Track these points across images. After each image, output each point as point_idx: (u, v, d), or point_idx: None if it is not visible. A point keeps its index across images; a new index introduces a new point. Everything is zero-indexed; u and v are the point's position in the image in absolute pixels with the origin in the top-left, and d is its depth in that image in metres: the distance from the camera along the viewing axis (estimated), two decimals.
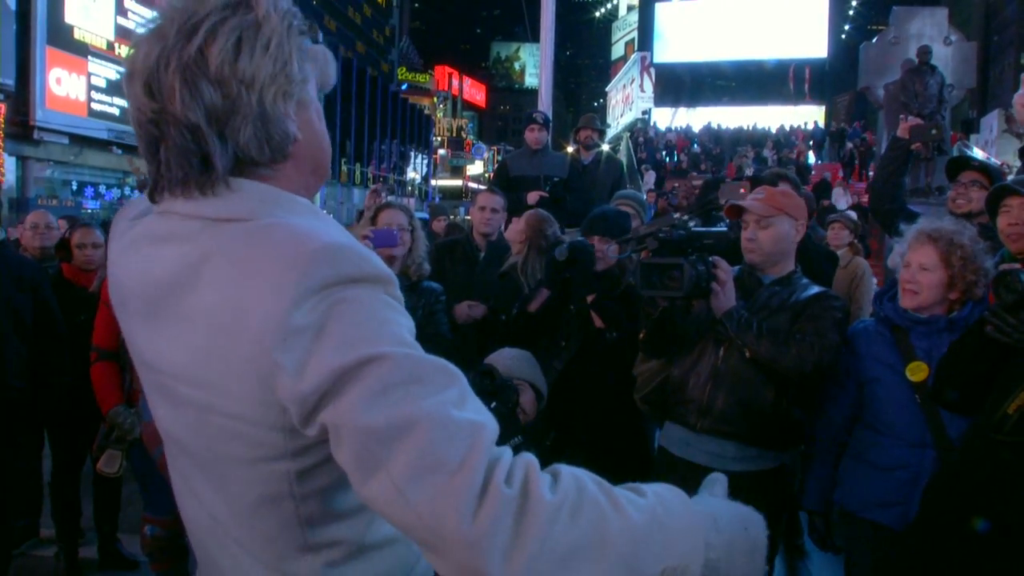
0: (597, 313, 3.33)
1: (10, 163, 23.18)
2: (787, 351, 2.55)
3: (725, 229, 2.89)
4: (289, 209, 1.04)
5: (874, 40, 17.92)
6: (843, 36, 50.05)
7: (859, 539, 2.65)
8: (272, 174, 1.06)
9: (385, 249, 3.35)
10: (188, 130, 0.99)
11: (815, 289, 2.77)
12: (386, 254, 3.42)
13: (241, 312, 0.94)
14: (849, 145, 25.69)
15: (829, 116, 42.03)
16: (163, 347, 1.05)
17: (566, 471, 0.92)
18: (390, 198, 4.62)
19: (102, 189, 27.71)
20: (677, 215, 3.79)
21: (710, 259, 2.63)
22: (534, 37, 10.03)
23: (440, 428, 0.88)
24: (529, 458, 0.91)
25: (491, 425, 0.92)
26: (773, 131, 32.46)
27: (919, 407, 2.51)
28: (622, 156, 27.50)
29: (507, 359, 2.84)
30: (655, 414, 3.01)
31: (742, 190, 3.66)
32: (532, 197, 5.36)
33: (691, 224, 2.72)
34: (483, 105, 79.09)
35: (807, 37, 43.72)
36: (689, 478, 2.76)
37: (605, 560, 0.86)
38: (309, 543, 1.07)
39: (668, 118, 42.56)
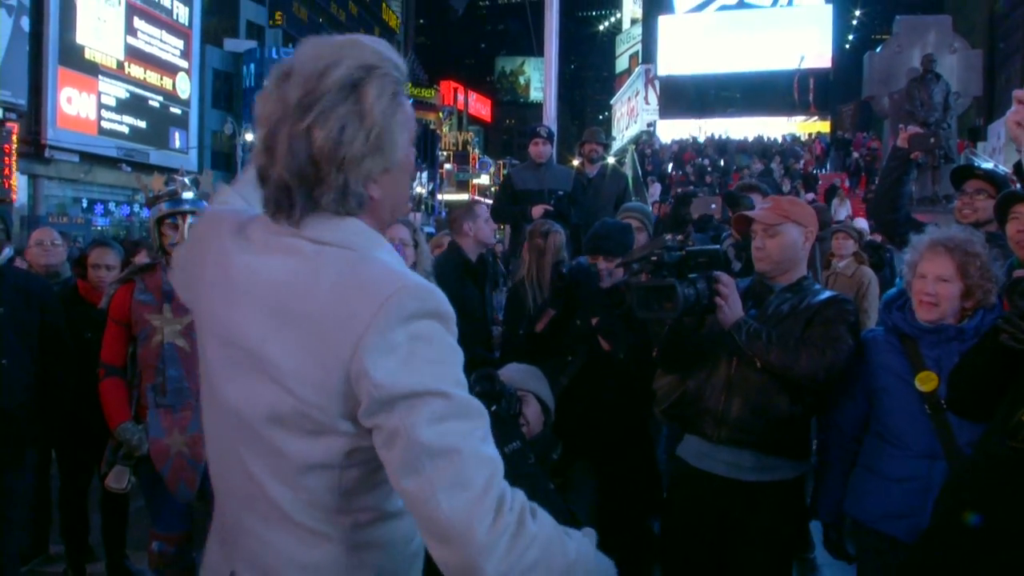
0: (603, 336, 3.33)
1: (22, 181, 23.35)
2: (798, 358, 2.54)
3: (719, 247, 2.90)
4: (377, 245, 1.29)
5: (878, 49, 17.91)
6: (847, 46, 50.07)
7: (870, 551, 2.63)
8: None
9: None
10: (282, 186, 1.24)
11: (827, 294, 2.76)
12: None
13: (346, 322, 1.18)
14: (855, 155, 25.65)
15: (834, 126, 41.99)
16: (257, 334, 1.26)
17: (539, 510, 1.24)
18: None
19: (112, 206, 27.92)
20: (669, 236, 3.80)
21: (713, 274, 2.63)
22: (539, 51, 10.06)
23: (472, 458, 1.18)
24: (521, 495, 1.22)
25: (501, 461, 1.22)
26: (778, 141, 32.45)
27: (928, 418, 2.49)
28: (627, 169, 27.52)
29: (514, 372, 2.86)
30: (678, 427, 3.00)
31: (713, 205, 3.67)
32: (537, 211, 5.36)
33: (689, 243, 2.73)
34: (488, 119, 79.17)
35: (811, 47, 43.75)
36: (706, 489, 2.76)
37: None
38: (344, 507, 1.29)
39: (673, 130, 42.53)
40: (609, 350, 3.35)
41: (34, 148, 23.89)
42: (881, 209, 3.93)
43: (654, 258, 2.61)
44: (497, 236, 5.49)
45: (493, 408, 2.32)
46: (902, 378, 2.56)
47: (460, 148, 58.13)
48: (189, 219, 3.41)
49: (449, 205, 51.33)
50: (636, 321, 3.22)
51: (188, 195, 3.48)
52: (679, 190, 11.01)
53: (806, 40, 43.84)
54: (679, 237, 2.82)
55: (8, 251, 3.71)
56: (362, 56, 1.24)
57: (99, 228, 24.93)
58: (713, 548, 2.77)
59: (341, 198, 1.25)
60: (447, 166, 55.04)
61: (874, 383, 2.66)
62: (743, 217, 2.87)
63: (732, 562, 2.75)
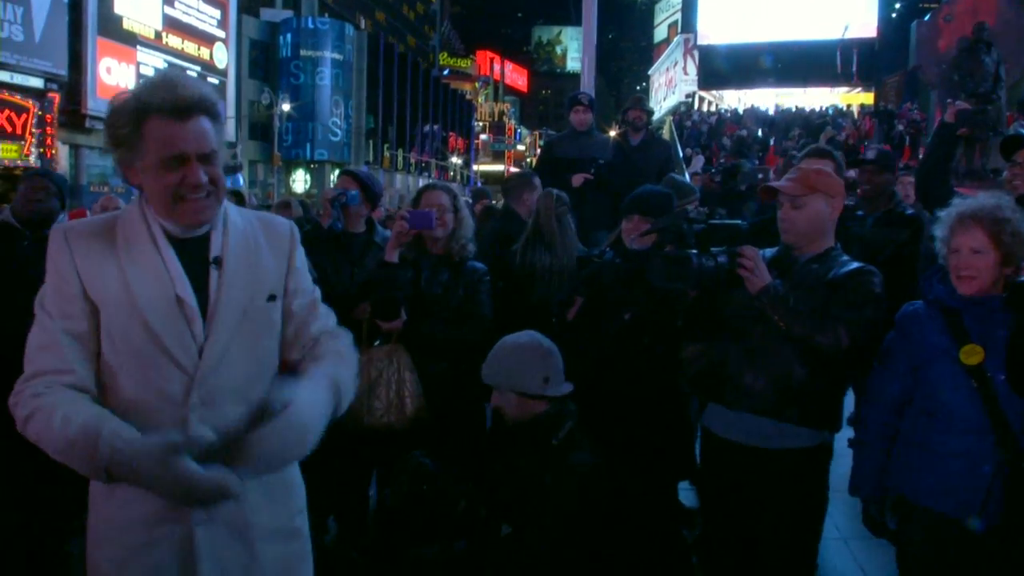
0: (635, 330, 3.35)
1: (63, 151, 23.72)
2: (822, 327, 2.54)
3: (740, 222, 2.90)
4: (119, 216, 1.84)
5: (926, 18, 17.45)
6: (894, 15, 48.86)
7: (914, 527, 2.59)
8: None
9: (424, 230, 3.39)
10: None
11: (853, 265, 2.72)
12: (427, 235, 3.45)
13: None
14: (899, 127, 25.10)
15: (878, 97, 41.12)
16: None
17: (46, 408, 1.66)
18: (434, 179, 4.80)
19: None
20: (692, 208, 3.77)
21: (736, 249, 2.64)
22: (576, 20, 9.96)
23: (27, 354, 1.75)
24: (34, 390, 1.69)
25: (37, 361, 1.73)
26: (823, 112, 31.85)
27: (975, 391, 2.44)
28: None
29: (488, 362, 2.94)
30: (701, 396, 3.02)
31: (760, 175, 3.63)
32: (577, 179, 5.32)
33: (715, 215, 2.77)
34: (524, 90, 78.88)
35: (856, 16, 42.75)
36: (731, 457, 2.80)
37: (49, 447, 1.65)
38: None
39: (709, 102, 41.97)
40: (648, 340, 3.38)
41: (75, 118, 24.23)
42: (927, 185, 3.87)
43: (675, 229, 2.66)
44: None
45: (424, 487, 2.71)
46: (946, 352, 2.50)
47: (496, 118, 58.02)
48: None
49: (485, 176, 51.37)
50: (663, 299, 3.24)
51: None
52: (724, 161, 10.86)
53: (851, 8, 42.84)
54: (704, 210, 2.84)
55: (63, 218, 3.80)
56: None
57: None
58: (744, 514, 2.80)
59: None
60: (483, 136, 54.99)
61: (917, 357, 2.60)
62: (770, 188, 2.84)
63: (762, 528, 2.77)
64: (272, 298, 1.90)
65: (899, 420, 2.67)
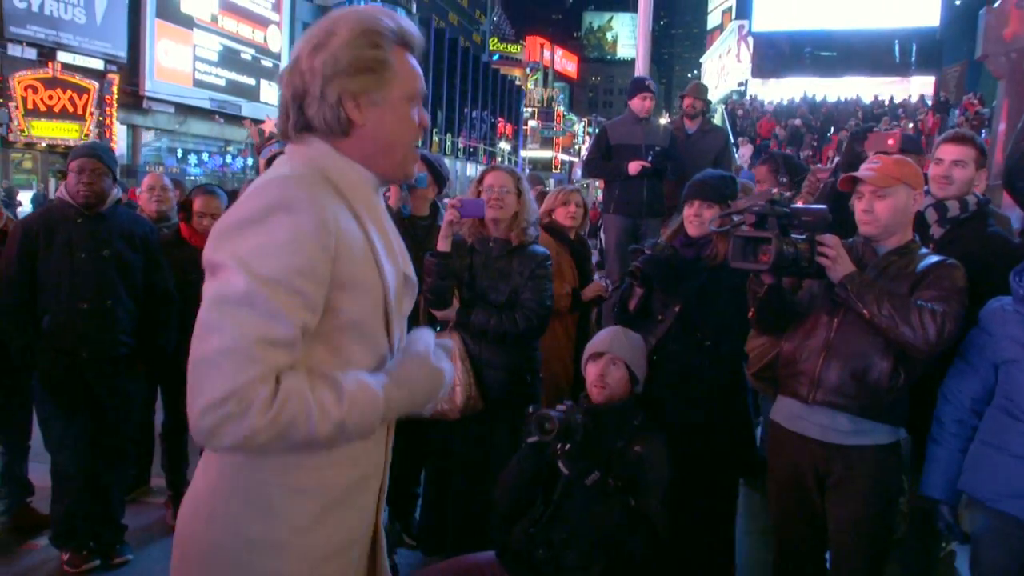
0: (686, 323, 3.27)
1: (121, 131, 24.24)
2: (907, 319, 2.44)
3: (824, 207, 2.78)
4: (321, 165, 1.46)
5: (995, 4, 16.84)
6: (957, 2, 47.38)
7: (988, 531, 2.51)
8: (336, 142, 1.48)
9: (472, 218, 3.35)
10: (284, 102, 1.50)
11: (935, 258, 2.64)
12: (489, 217, 3.39)
13: None
14: (960, 118, 24.36)
15: (938, 88, 40.02)
16: None
17: (296, 391, 1.29)
18: (498, 160, 4.69)
19: (205, 156, 28.73)
20: (776, 191, 3.62)
21: (817, 237, 2.55)
22: (627, 7, 9.81)
23: (227, 352, 1.29)
24: (263, 395, 1.26)
25: (267, 358, 1.28)
26: (866, 102, 31.09)
27: None
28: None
29: (611, 336, 3.03)
30: (768, 389, 2.94)
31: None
32: (634, 167, 5.23)
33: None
34: (575, 76, 78.29)
35: (917, 4, 41.57)
36: (801, 451, 2.73)
37: (293, 441, 1.30)
38: None
39: (759, 89, 41.23)
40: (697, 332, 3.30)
41: (133, 99, 24.72)
42: (1017, 176, 3.66)
43: (756, 210, 2.54)
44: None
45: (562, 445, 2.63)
46: None
47: (545, 105, 57.79)
48: None
49: (533, 162, 51.23)
50: (724, 294, 3.14)
51: None
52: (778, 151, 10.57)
53: None
54: (788, 194, 2.71)
55: (117, 191, 3.81)
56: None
57: (192, 178, 25.73)
58: (814, 510, 2.75)
59: (323, 112, 1.45)
60: (531, 123, 54.85)
61: (1000, 355, 2.51)
62: (851, 178, 2.73)
63: (832, 524, 2.71)
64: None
65: (976, 420, 2.58)
